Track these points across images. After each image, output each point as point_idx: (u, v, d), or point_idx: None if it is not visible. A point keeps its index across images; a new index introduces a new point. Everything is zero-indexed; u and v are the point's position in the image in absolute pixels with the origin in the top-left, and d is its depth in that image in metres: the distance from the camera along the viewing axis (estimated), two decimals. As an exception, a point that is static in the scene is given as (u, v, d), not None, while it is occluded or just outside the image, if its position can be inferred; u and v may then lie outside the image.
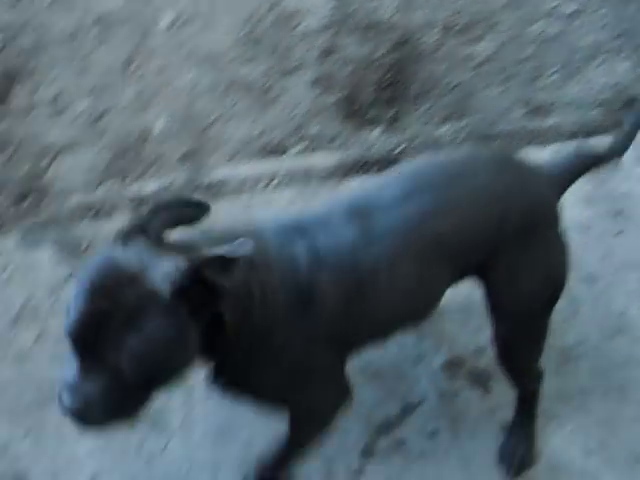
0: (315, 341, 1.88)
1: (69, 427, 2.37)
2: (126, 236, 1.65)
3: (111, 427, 1.69)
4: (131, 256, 1.60)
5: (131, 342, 1.55)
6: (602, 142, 3.09)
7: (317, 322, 1.85)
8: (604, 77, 3.39)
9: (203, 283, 1.57)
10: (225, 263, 1.57)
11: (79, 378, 1.61)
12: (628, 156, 3.09)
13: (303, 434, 2.17)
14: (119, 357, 1.56)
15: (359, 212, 1.91)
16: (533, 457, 2.36)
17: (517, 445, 2.36)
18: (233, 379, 1.90)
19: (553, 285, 2.12)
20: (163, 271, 1.57)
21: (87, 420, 1.66)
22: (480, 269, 2.06)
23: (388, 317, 2.00)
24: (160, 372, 1.63)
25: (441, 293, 2.07)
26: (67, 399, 1.62)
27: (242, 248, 1.58)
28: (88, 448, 2.41)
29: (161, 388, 1.67)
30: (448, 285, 2.07)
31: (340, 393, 2.08)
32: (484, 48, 3.55)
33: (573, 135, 3.18)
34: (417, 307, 2.05)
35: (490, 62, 3.49)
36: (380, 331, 2.07)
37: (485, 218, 1.97)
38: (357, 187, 2.12)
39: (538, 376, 2.32)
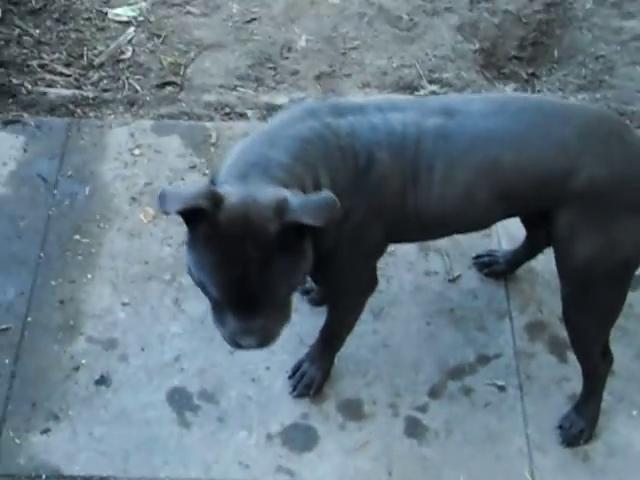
0: (373, 212, 1.92)
1: (166, 307, 2.52)
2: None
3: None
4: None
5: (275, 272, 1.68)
6: None
7: (376, 193, 1.90)
8: None
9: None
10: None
11: (248, 320, 1.73)
12: None
13: (339, 319, 2.27)
14: (275, 291, 1.70)
15: (446, 109, 1.94)
16: (590, 434, 2.33)
17: (579, 418, 2.32)
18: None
19: (617, 259, 1.99)
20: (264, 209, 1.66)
21: (270, 342, 1.82)
22: (542, 218, 2.02)
23: (434, 218, 1.98)
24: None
25: (489, 220, 2.08)
26: (250, 341, 1.78)
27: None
28: (178, 330, 2.49)
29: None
30: (499, 216, 2.06)
31: (372, 281, 2.18)
32: (635, 25, 3.39)
33: None
34: (462, 221, 2.04)
35: (639, 40, 3.33)
36: (426, 229, 2.06)
37: (550, 167, 1.92)
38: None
39: (602, 354, 2.24)
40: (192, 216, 1.66)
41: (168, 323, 2.51)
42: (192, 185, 1.78)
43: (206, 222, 1.64)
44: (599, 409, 2.33)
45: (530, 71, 3.25)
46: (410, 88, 3.14)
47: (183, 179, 2.80)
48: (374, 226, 1.96)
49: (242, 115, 3.01)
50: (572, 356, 2.43)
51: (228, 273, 1.67)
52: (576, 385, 2.40)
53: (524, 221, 2.33)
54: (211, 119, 2.99)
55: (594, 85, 3.21)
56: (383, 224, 1.97)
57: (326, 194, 1.67)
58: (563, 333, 2.47)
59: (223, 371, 2.42)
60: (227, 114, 3.01)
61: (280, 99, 3.06)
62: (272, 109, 3.00)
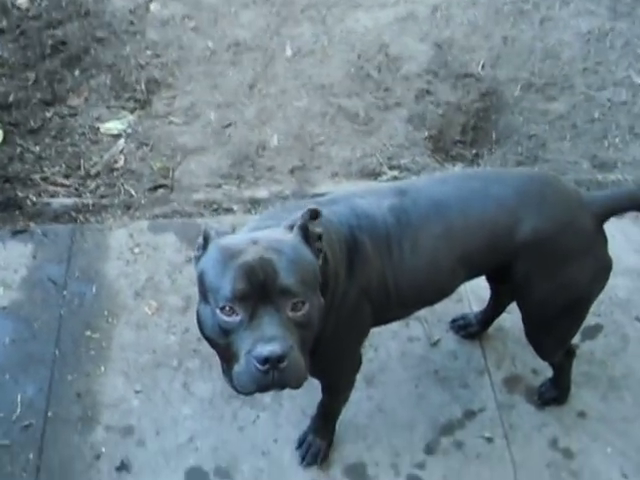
0: (363, 293, 1.82)
1: (176, 391, 2.36)
2: None
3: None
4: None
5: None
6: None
7: (364, 274, 1.80)
8: (660, 142, 3.22)
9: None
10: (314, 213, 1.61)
11: (267, 327, 1.51)
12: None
13: (336, 397, 2.12)
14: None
15: (398, 191, 1.89)
16: (562, 401, 2.34)
17: (552, 388, 2.32)
18: None
19: (570, 298, 1.95)
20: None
21: (294, 364, 1.53)
22: (501, 273, 1.96)
23: (410, 289, 1.88)
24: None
25: (455, 282, 1.98)
26: (271, 347, 1.49)
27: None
28: (189, 412, 2.33)
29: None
30: (464, 277, 1.97)
31: (360, 360, 2.06)
32: (558, 106, 3.38)
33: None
34: (433, 287, 1.95)
35: (563, 119, 3.33)
36: (404, 303, 1.94)
37: (495, 224, 1.86)
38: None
39: (567, 356, 2.23)
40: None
41: (179, 406, 2.34)
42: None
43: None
44: (569, 383, 2.32)
45: (474, 152, 3.21)
46: (373, 174, 3.07)
47: (181, 272, 2.67)
48: (365, 307, 1.86)
49: (229, 210, 2.89)
50: (549, 404, 2.35)
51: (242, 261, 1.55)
52: (555, 429, 2.30)
53: (488, 279, 2.22)
54: (201, 215, 2.87)
55: (530, 160, 3.17)
56: (371, 304, 1.86)
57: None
58: (537, 382, 2.39)
59: (234, 447, 2.26)
60: (215, 210, 2.89)
61: (261, 193, 2.96)
62: (255, 202, 2.91)
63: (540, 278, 1.91)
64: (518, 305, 2.06)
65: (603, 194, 2.09)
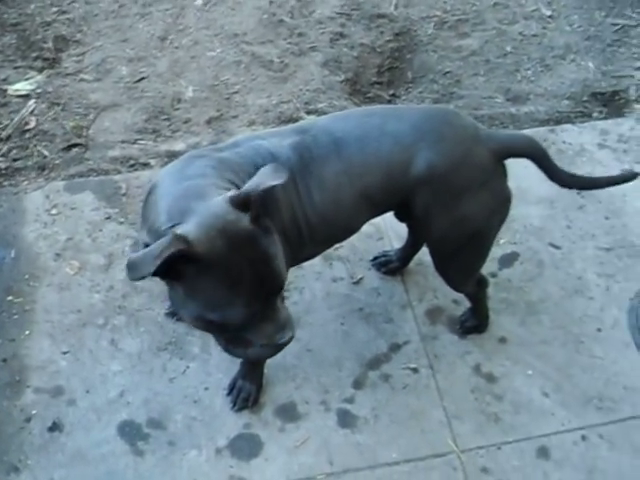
0: (281, 235, 1.81)
1: (104, 349, 2.36)
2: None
3: None
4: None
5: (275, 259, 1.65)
6: (569, 129, 3.06)
7: (275, 215, 1.81)
8: (573, 74, 3.28)
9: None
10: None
11: (276, 318, 1.68)
12: (591, 141, 3.03)
13: None
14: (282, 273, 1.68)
15: (300, 129, 1.91)
16: (482, 329, 2.41)
17: (473, 317, 2.39)
18: None
19: (469, 231, 1.99)
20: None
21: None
22: (400, 208, 2.00)
23: (320, 225, 1.91)
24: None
25: (360, 219, 2.01)
26: (289, 333, 1.70)
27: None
28: (118, 368, 2.33)
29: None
30: (369, 213, 2.00)
31: None
32: (471, 42, 3.42)
33: (545, 122, 3.09)
34: (341, 223, 1.97)
35: (476, 55, 3.37)
36: (317, 239, 1.96)
37: (390, 160, 1.88)
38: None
39: (479, 285, 2.28)
40: (169, 270, 1.51)
41: (108, 363, 2.34)
42: (155, 245, 1.51)
43: (192, 264, 1.52)
44: (487, 311, 2.39)
45: (391, 92, 3.23)
46: (291, 120, 3.06)
47: (101, 230, 2.64)
48: (283, 246, 1.87)
49: (146, 165, 2.86)
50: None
51: (244, 284, 1.57)
52: (477, 356, 2.38)
53: (396, 216, 2.20)
54: (118, 172, 2.83)
55: (446, 97, 3.21)
56: (288, 245, 1.86)
57: (268, 166, 1.64)
58: (458, 312, 2.46)
59: (166, 398, 2.27)
60: (132, 166, 2.86)
61: (178, 146, 2.93)
62: (172, 155, 2.86)
63: (438, 213, 1.95)
64: (423, 240, 2.10)
65: (503, 133, 2.13)
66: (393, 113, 1.96)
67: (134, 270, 1.48)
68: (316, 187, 1.86)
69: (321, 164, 1.85)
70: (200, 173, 1.72)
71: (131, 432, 2.21)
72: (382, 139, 1.87)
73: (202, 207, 1.58)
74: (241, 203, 1.58)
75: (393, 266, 2.52)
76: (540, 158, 2.04)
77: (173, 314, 2.40)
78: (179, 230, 1.53)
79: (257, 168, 1.75)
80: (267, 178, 1.60)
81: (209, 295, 1.57)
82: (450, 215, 1.94)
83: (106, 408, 2.25)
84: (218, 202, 1.59)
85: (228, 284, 1.56)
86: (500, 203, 2.00)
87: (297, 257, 1.98)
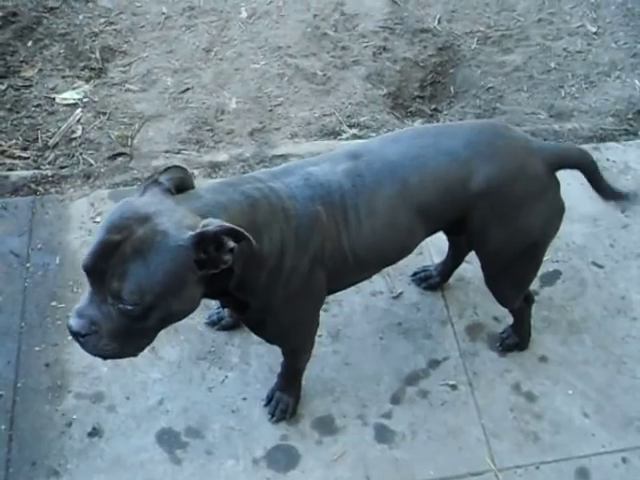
0: (317, 262, 1.82)
1: (144, 356, 2.36)
2: (144, 187, 1.62)
3: (120, 356, 1.67)
4: (147, 201, 1.58)
5: (135, 271, 1.49)
6: (613, 147, 3.03)
7: (318, 243, 1.80)
8: (618, 91, 3.26)
9: (218, 244, 1.54)
10: (240, 236, 1.55)
11: (87, 304, 1.56)
12: (636, 159, 3.00)
13: (297, 358, 2.16)
14: (122, 285, 1.50)
15: (352, 154, 1.89)
16: (522, 347, 2.40)
17: (513, 335, 2.38)
18: (255, 314, 1.86)
19: (526, 242, 2.00)
20: (179, 220, 1.53)
21: (93, 345, 1.60)
22: (454, 224, 1.98)
23: (369, 251, 1.90)
24: (159, 307, 1.54)
25: (415, 240, 2.00)
26: (73, 322, 1.57)
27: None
28: (158, 376, 2.35)
29: (163, 324, 1.60)
30: (422, 234, 1.99)
31: (316, 325, 2.07)
32: (515, 58, 3.41)
33: (589, 139, 3.06)
34: (393, 247, 1.96)
35: (520, 70, 3.36)
36: (363, 266, 1.96)
37: (449, 177, 1.88)
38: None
39: (526, 301, 2.28)
40: None
41: (148, 371, 2.36)
42: None
43: None
44: (529, 328, 2.38)
45: (433, 107, 3.24)
46: (333, 133, 3.08)
47: (144, 238, 2.67)
48: (318, 276, 1.86)
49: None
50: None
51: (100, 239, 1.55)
52: (517, 374, 2.36)
53: (445, 232, 2.23)
54: (162, 182, 2.86)
55: (488, 112, 3.20)
56: (326, 271, 1.87)
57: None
58: (499, 329, 2.44)
59: (204, 407, 2.29)
60: (176, 175, 2.89)
61: (221, 156, 2.96)
62: (215, 166, 2.91)
63: (495, 225, 1.94)
64: (477, 254, 2.10)
65: (553, 144, 2.13)
66: (444, 131, 1.97)
67: None
68: (368, 213, 1.85)
69: (374, 189, 1.84)
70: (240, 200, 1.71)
71: (169, 440, 2.23)
72: (438, 157, 1.87)
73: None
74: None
75: (433, 281, 2.51)
76: (591, 170, 2.07)
77: (214, 323, 2.42)
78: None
79: (304, 202, 1.77)
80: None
81: None
82: (507, 227, 1.94)
83: (145, 415, 2.27)
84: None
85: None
86: (555, 214, 2.00)
87: (341, 283, 1.99)
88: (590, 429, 2.25)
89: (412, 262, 2.56)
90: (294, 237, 1.77)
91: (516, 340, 2.38)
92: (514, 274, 2.10)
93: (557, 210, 2.01)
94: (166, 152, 3.00)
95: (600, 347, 2.42)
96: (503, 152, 1.91)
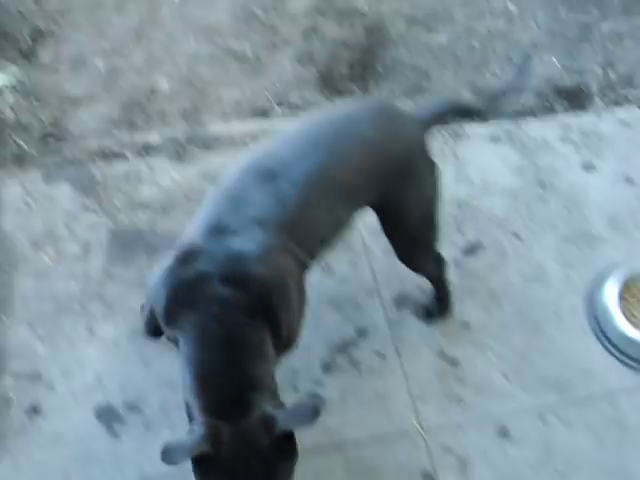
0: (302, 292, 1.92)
1: (80, 335, 2.43)
2: None
3: None
4: None
5: None
6: (532, 123, 3.17)
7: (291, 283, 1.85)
8: (538, 69, 3.38)
9: None
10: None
11: None
12: (553, 135, 3.15)
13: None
14: None
15: (267, 176, 1.85)
16: (445, 313, 2.53)
17: (435, 303, 2.51)
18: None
19: (431, 206, 2.15)
20: None
21: None
22: (374, 202, 2.06)
23: (317, 245, 1.96)
24: None
25: (350, 221, 2.05)
26: None
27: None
28: (95, 354, 2.40)
29: None
30: (352, 217, 2.05)
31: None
32: (440, 37, 3.51)
33: (509, 115, 3.18)
34: (334, 231, 2.02)
35: (445, 50, 3.46)
36: (315, 257, 2.00)
37: (370, 163, 1.96)
38: (258, 153, 1.95)
39: (438, 265, 2.38)
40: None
41: (84, 348, 2.42)
42: (191, 434, 1.62)
43: (211, 459, 1.60)
44: (450, 294, 2.50)
45: (361, 86, 3.32)
46: (263, 113, 3.15)
47: (78, 220, 2.70)
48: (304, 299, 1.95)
49: (121, 155, 2.92)
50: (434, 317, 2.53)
51: None
52: (442, 341, 2.48)
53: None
54: (94, 163, 2.89)
55: (416, 90, 3.30)
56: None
57: (310, 402, 1.67)
58: (422, 299, 2.56)
59: (141, 382, 2.35)
60: (108, 156, 2.92)
61: (153, 137, 3.00)
62: (147, 147, 2.94)
63: (409, 197, 2.06)
64: (387, 226, 2.16)
65: (425, 108, 2.21)
66: (341, 117, 2.00)
67: (167, 457, 1.57)
68: (305, 219, 1.87)
69: (302, 199, 1.85)
70: None
71: (108, 415, 2.29)
72: (350, 146, 1.93)
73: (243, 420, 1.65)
74: (269, 428, 1.63)
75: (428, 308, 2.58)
76: (458, 107, 2.33)
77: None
78: (213, 426, 1.62)
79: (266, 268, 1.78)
80: (300, 419, 1.65)
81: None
82: (414, 195, 2.06)
83: (83, 392, 2.32)
84: (255, 416, 1.64)
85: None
86: (439, 172, 2.14)
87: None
88: (509, 390, 2.40)
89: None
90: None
91: (439, 307, 2.50)
92: (423, 237, 2.22)
93: (438, 168, 2.14)
94: (98, 133, 3.01)
95: (518, 313, 2.56)
96: (402, 129, 2.03)
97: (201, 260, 1.77)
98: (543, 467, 2.27)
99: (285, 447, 1.66)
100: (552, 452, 2.29)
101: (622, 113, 3.22)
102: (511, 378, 2.42)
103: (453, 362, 2.45)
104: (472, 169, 2.95)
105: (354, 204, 2.00)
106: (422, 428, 2.30)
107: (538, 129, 3.14)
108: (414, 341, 2.48)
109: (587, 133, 3.14)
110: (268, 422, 1.62)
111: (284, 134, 1.99)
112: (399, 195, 2.04)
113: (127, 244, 2.65)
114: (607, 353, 2.49)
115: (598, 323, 2.52)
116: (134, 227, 2.69)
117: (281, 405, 1.74)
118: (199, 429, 1.61)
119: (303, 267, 1.92)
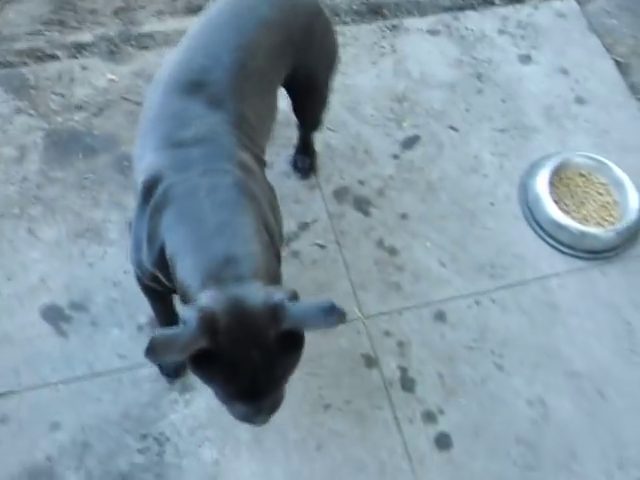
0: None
1: (22, 238, 2.43)
2: None
3: None
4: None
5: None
6: (471, 16, 3.17)
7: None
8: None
9: None
10: None
11: (257, 404, 1.57)
12: (491, 27, 3.16)
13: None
14: (280, 383, 1.57)
15: (194, 88, 1.79)
16: (314, 166, 2.64)
17: (305, 158, 2.62)
18: None
19: (333, 64, 2.26)
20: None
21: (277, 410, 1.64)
22: (288, 77, 2.08)
23: (262, 129, 1.95)
24: None
25: (276, 104, 2.05)
26: (263, 419, 1.63)
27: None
28: (37, 256, 2.41)
29: None
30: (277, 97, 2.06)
31: None
32: None
33: (448, 9, 3.17)
34: (271, 118, 2.04)
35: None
36: (263, 139, 1.99)
37: (279, 42, 1.97)
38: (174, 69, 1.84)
39: (319, 124, 2.47)
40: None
41: (27, 251, 2.42)
42: (181, 333, 1.40)
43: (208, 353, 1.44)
44: (314, 151, 2.63)
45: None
46: (198, 10, 3.06)
47: (11, 123, 2.65)
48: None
49: (53, 56, 2.85)
50: (374, 210, 2.59)
51: (238, 382, 1.49)
52: (381, 231, 2.54)
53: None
54: (25, 64, 2.81)
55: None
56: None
57: (327, 302, 1.43)
58: (363, 193, 2.61)
59: (86, 282, 2.37)
60: (39, 57, 2.84)
61: (85, 37, 2.92)
62: (79, 47, 2.87)
63: (314, 59, 2.15)
64: (299, 97, 2.24)
65: None
66: (237, 8, 1.96)
67: (153, 354, 1.40)
68: (246, 112, 1.84)
69: (235, 87, 1.83)
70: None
71: (54, 315, 2.31)
72: (252, 33, 1.91)
73: (240, 291, 1.47)
74: (277, 319, 1.44)
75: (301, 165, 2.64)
76: None
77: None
78: (208, 310, 1.43)
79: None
80: (319, 320, 1.44)
81: (207, 375, 1.52)
82: (322, 55, 2.18)
83: (28, 294, 2.34)
84: (259, 300, 1.45)
85: (226, 376, 1.49)
86: (333, 25, 2.22)
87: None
88: (446, 277, 2.49)
89: (280, 133, 2.66)
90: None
91: (309, 162, 2.61)
92: (328, 92, 2.31)
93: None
94: (28, 34, 2.92)
95: (455, 203, 2.63)
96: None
97: (171, 174, 1.67)
98: (479, 348, 2.38)
99: (290, 345, 1.49)
100: (487, 334, 2.40)
101: (558, 4, 3.24)
102: (448, 265, 2.51)
103: (392, 251, 2.52)
104: (411, 63, 2.95)
105: (276, 84, 2.04)
106: (363, 315, 2.38)
107: (477, 22, 3.14)
108: (354, 233, 2.54)
109: (524, 25, 3.15)
110: (277, 312, 1.44)
111: (189, 39, 1.92)
112: (309, 61, 2.11)
113: (63, 145, 2.62)
114: (539, 239, 2.58)
115: (530, 211, 2.61)
116: (70, 128, 2.66)
117: (294, 296, 1.50)
118: (192, 315, 1.41)
119: (262, 164, 1.91)
